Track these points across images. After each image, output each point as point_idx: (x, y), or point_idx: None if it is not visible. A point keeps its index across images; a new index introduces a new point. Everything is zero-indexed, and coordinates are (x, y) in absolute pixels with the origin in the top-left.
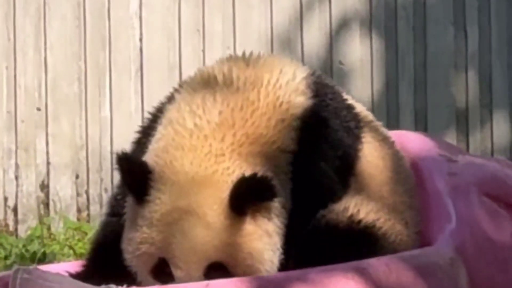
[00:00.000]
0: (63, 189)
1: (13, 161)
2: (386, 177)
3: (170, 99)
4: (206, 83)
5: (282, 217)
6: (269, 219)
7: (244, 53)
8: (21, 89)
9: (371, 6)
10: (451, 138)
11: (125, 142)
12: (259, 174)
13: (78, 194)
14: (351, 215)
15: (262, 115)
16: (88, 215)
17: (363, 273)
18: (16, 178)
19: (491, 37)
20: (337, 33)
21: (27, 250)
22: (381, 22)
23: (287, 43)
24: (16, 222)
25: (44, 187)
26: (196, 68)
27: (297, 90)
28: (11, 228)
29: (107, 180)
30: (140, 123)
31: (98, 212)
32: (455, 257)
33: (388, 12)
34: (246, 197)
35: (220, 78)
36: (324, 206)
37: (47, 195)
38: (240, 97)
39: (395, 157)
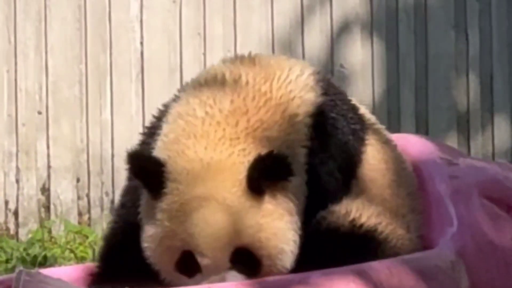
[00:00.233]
0: (64, 192)
1: (14, 164)
2: (389, 180)
3: (175, 98)
4: (213, 79)
5: (302, 195)
6: (288, 197)
7: (250, 53)
8: (21, 92)
9: (372, 9)
10: (452, 141)
11: (126, 145)
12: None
13: (79, 197)
14: (353, 219)
15: (277, 105)
16: (89, 218)
17: (364, 276)
18: (17, 181)
19: (492, 40)
20: (338, 36)
21: (28, 254)
22: (382, 25)
23: (288, 46)
24: (17, 225)
25: (45, 190)
26: (197, 71)
27: (306, 86)
28: (12, 231)
29: (108, 183)
30: (141, 126)
31: (99, 215)
32: (456, 260)
33: (389, 15)
34: (263, 176)
35: (227, 74)
36: (326, 206)
37: (48, 199)
38: (251, 89)
39: (398, 160)
